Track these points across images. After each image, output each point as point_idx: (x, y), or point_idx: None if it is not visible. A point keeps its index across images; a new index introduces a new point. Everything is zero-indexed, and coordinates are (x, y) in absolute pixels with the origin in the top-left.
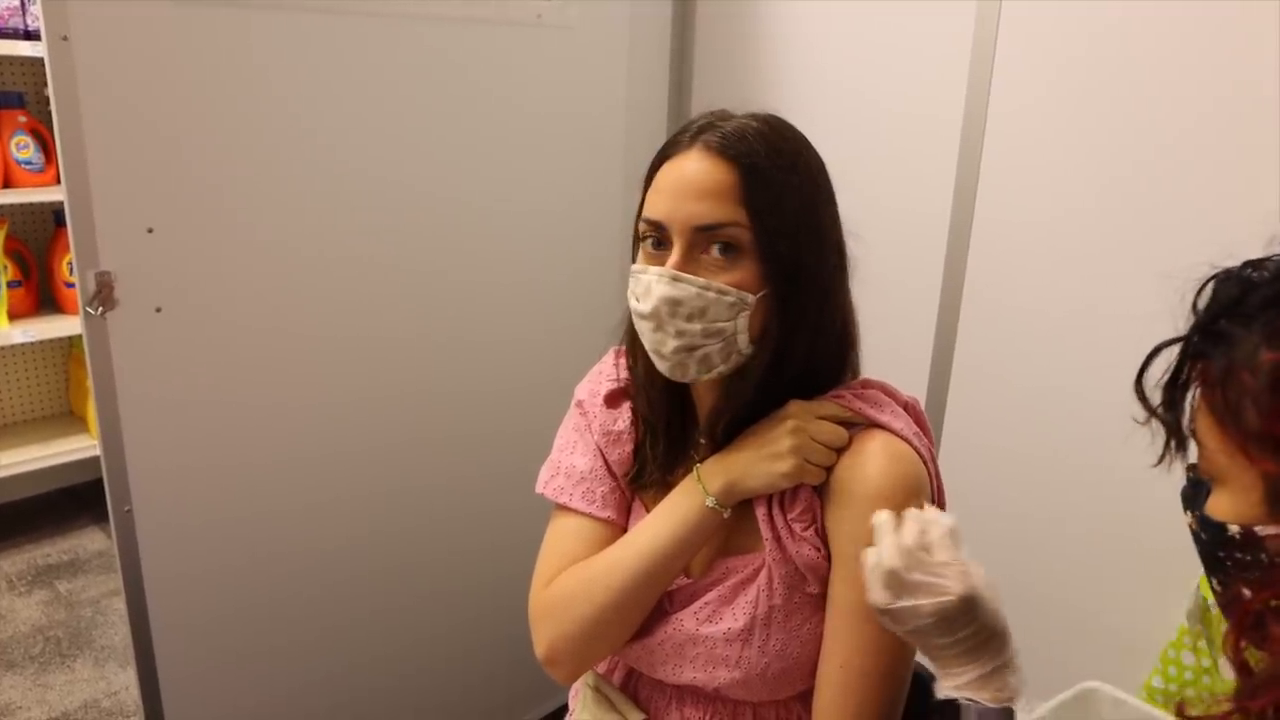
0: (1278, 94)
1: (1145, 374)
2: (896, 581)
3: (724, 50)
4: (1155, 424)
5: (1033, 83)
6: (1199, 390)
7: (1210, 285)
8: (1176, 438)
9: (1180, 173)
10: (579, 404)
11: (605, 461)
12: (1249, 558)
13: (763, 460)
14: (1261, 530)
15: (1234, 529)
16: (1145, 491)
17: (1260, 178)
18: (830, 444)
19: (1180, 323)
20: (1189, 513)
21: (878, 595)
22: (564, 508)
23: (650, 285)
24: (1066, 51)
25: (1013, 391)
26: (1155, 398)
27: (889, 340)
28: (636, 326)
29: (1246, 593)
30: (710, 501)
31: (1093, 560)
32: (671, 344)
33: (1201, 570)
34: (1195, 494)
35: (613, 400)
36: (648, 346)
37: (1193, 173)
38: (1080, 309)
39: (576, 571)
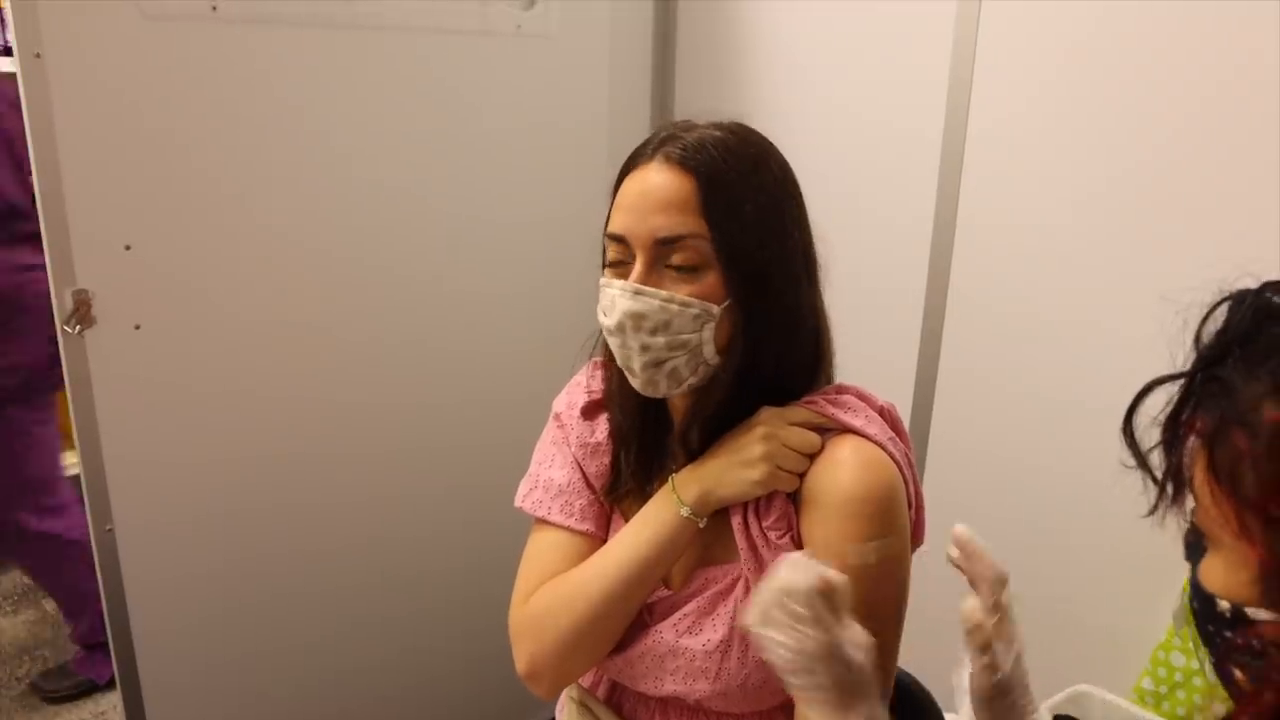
0: (1263, 94)
1: (1135, 413)
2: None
3: (706, 56)
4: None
5: (1014, 85)
6: (1194, 438)
7: (1221, 309)
8: (1175, 483)
9: (1166, 175)
10: (556, 417)
11: (583, 474)
12: (1240, 640)
13: (735, 468)
14: (1253, 613)
15: (1224, 605)
16: (1133, 494)
17: (1245, 179)
18: (802, 450)
19: (1179, 351)
20: (1189, 563)
21: (748, 616)
22: (543, 521)
23: (614, 299)
24: (1048, 52)
25: (998, 396)
26: (1145, 435)
27: (874, 346)
28: (608, 341)
29: (1239, 675)
30: (685, 511)
31: (1081, 563)
32: (639, 360)
33: (1188, 571)
34: (1195, 545)
35: (590, 412)
36: (619, 361)
37: (1178, 175)
38: (1066, 312)
39: (555, 585)
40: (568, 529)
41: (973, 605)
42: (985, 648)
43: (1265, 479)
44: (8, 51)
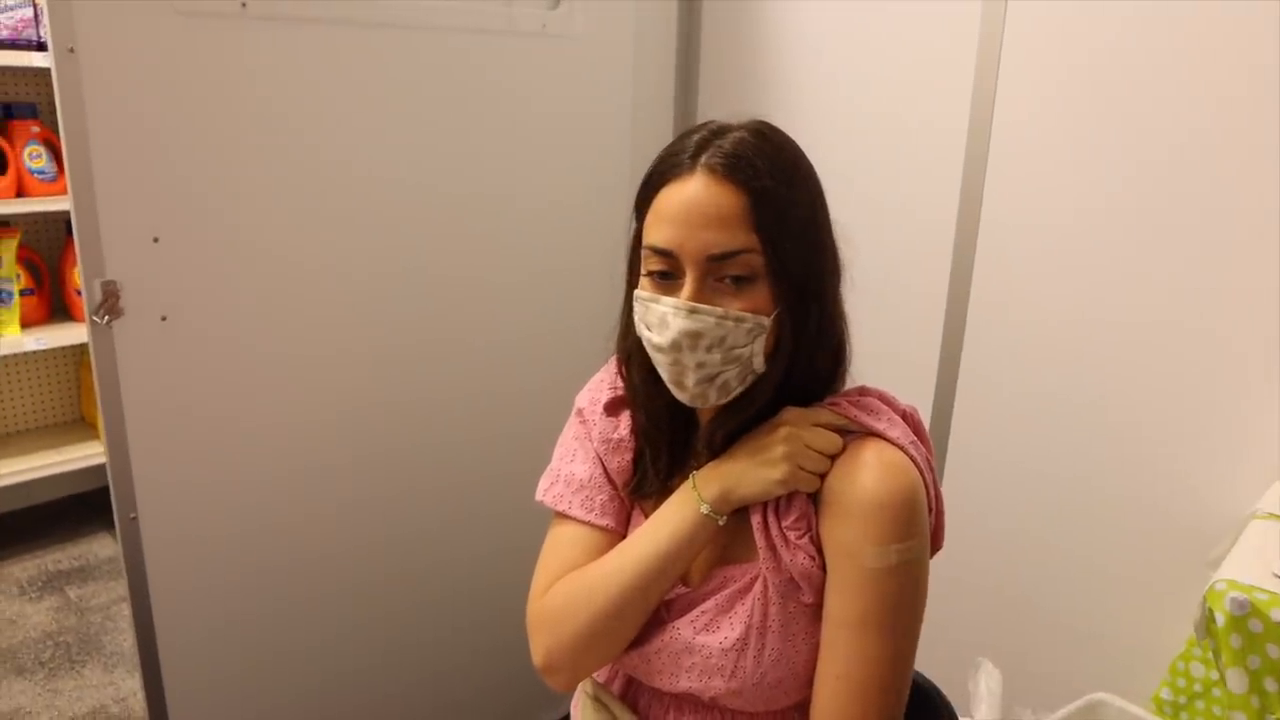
0: None
1: None
2: None
3: (729, 56)
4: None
5: (1039, 86)
6: None
7: None
8: None
9: (1190, 176)
10: (579, 412)
11: (604, 470)
12: None
13: (757, 467)
14: None
15: None
16: (1154, 502)
17: (1269, 180)
18: (824, 451)
19: None
20: None
21: None
22: (563, 515)
23: (666, 318)
24: (1072, 53)
25: (1019, 400)
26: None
27: (894, 348)
28: (652, 356)
29: None
30: (705, 509)
31: (1101, 571)
32: (693, 376)
33: (1209, 581)
34: None
35: (613, 408)
36: (666, 378)
37: (1202, 175)
38: (1088, 315)
39: (573, 579)
40: (588, 524)
41: None
42: None
43: None
44: (42, 47)
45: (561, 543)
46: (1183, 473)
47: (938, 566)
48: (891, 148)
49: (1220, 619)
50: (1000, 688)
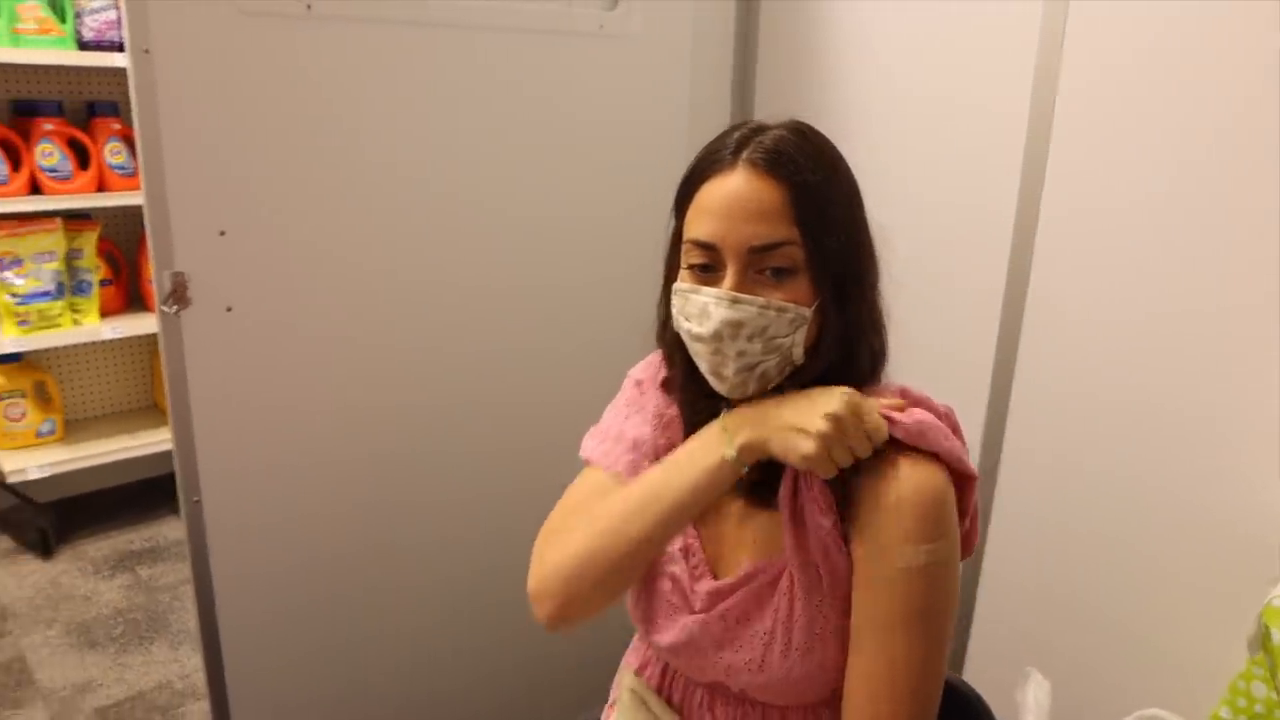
0: None
1: None
2: None
3: (787, 56)
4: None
5: (1101, 82)
6: None
7: None
8: None
9: (1260, 168)
10: (638, 384)
11: (653, 440)
12: None
13: (791, 431)
14: None
15: None
16: (1220, 511)
17: None
18: (872, 434)
19: None
20: None
21: None
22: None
23: (707, 308)
24: (1136, 50)
25: (1078, 401)
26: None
27: (948, 348)
28: (690, 348)
29: None
30: (730, 454)
31: (1161, 582)
32: (732, 366)
33: (1267, 597)
34: None
35: (668, 387)
36: (705, 369)
37: (1273, 168)
38: (1150, 315)
39: (581, 506)
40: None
41: None
42: None
43: None
44: (124, 48)
45: (589, 489)
46: (1251, 482)
47: (990, 571)
48: (950, 146)
49: (1277, 636)
50: (1049, 700)
